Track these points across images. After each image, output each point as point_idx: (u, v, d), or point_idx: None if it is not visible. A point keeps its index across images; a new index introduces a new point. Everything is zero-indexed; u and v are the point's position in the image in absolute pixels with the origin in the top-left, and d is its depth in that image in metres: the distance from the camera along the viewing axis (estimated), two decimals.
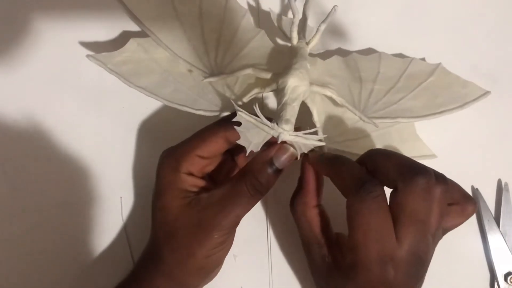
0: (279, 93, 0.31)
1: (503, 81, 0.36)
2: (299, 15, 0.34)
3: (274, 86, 0.32)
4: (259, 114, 0.28)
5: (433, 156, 0.38)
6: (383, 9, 0.40)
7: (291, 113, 0.29)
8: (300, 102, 0.30)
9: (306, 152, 0.30)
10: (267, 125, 0.28)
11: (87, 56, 0.34)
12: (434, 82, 0.37)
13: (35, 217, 0.36)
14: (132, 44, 0.35)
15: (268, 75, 0.32)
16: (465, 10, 0.41)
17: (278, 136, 0.28)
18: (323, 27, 0.33)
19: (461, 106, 0.35)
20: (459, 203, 0.30)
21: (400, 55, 0.39)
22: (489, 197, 0.38)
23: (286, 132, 0.28)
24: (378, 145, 0.37)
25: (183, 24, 0.35)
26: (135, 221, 0.36)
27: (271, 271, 0.36)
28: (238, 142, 0.29)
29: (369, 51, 0.39)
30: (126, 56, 0.35)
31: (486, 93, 0.36)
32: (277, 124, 0.28)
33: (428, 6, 0.41)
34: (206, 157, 0.31)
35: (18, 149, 0.36)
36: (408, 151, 0.38)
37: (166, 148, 0.32)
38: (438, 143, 0.37)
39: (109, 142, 0.37)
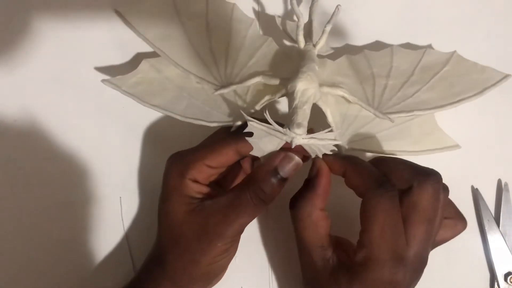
0: (289, 97, 0.31)
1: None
2: (304, 19, 0.34)
3: (284, 91, 0.32)
4: (270, 120, 0.28)
5: (457, 147, 0.37)
6: (383, 9, 0.40)
7: (303, 116, 0.29)
8: (311, 104, 0.30)
9: (328, 153, 0.30)
10: (280, 131, 0.28)
11: (102, 81, 0.34)
12: (450, 71, 0.36)
13: (34, 217, 0.36)
14: (144, 65, 0.36)
15: (277, 81, 0.32)
16: (465, 10, 0.41)
17: (291, 141, 0.28)
18: (329, 28, 0.33)
19: (481, 93, 0.34)
20: (452, 218, 0.31)
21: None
22: (489, 197, 0.38)
23: (299, 136, 0.28)
24: (398, 141, 0.36)
25: (191, 39, 0.36)
26: (134, 221, 0.36)
27: (271, 271, 0.36)
28: (252, 153, 0.29)
29: (376, 44, 0.39)
30: (139, 78, 0.35)
31: (506, 76, 0.35)
32: (289, 129, 0.28)
33: (428, 6, 0.41)
34: (214, 167, 0.31)
35: (18, 149, 0.36)
36: (430, 144, 0.37)
37: (175, 152, 0.32)
38: None
39: (109, 142, 0.37)
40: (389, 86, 0.35)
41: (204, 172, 0.31)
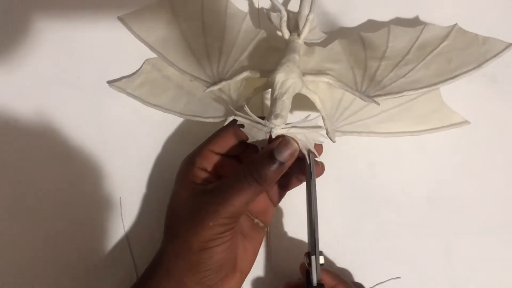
0: (271, 89, 0.32)
1: (503, 81, 0.34)
2: (284, 11, 0.35)
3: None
4: (250, 113, 0.30)
5: (466, 123, 0.36)
6: (382, 9, 0.40)
7: (281, 107, 0.30)
8: (291, 95, 0.31)
9: (318, 142, 0.30)
10: (260, 123, 0.30)
11: (108, 83, 0.37)
12: (449, 46, 0.35)
13: (34, 217, 0.36)
14: (147, 65, 0.38)
15: (258, 75, 0.33)
16: (465, 9, 0.40)
17: (271, 132, 0.29)
18: (311, 16, 0.34)
19: (479, 66, 0.33)
20: None
21: None
22: None
23: (277, 127, 0.29)
24: (398, 121, 0.36)
25: (187, 39, 0.37)
26: (134, 221, 0.36)
27: (271, 271, 0.36)
28: (249, 141, 0.31)
29: (370, 24, 0.39)
30: (142, 78, 0.38)
31: (509, 46, 0.33)
32: (268, 120, 0.30)
33: (428, 6, 0.40)
34: (218, 153, 0.33)
35: (18, 149, 0.37)
36: (437, 121, 0.37)
37: None
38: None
39: (109, 142, 0.37)
40: (381, 68, 0.34)
41: (210, 158, 0.32)
